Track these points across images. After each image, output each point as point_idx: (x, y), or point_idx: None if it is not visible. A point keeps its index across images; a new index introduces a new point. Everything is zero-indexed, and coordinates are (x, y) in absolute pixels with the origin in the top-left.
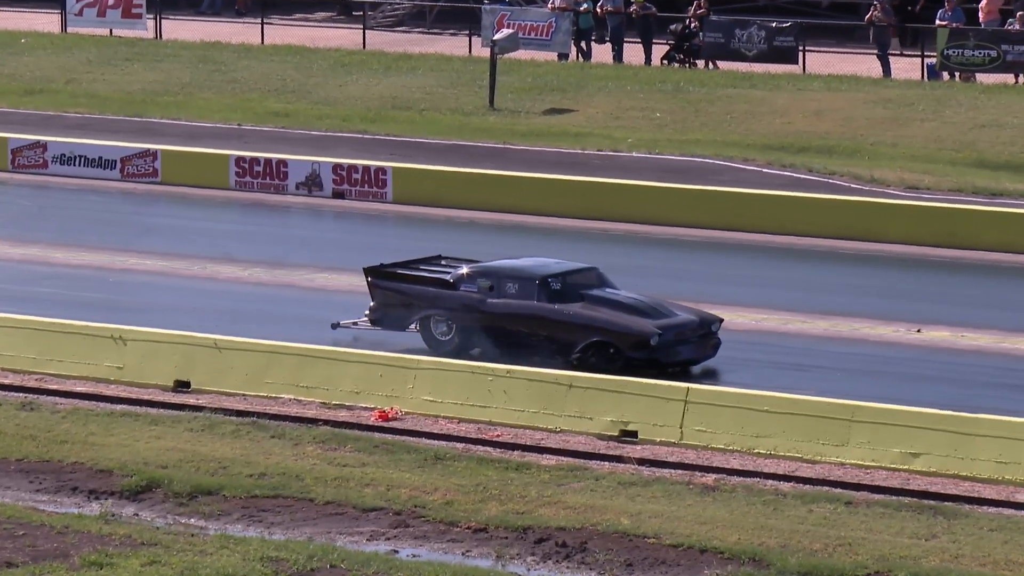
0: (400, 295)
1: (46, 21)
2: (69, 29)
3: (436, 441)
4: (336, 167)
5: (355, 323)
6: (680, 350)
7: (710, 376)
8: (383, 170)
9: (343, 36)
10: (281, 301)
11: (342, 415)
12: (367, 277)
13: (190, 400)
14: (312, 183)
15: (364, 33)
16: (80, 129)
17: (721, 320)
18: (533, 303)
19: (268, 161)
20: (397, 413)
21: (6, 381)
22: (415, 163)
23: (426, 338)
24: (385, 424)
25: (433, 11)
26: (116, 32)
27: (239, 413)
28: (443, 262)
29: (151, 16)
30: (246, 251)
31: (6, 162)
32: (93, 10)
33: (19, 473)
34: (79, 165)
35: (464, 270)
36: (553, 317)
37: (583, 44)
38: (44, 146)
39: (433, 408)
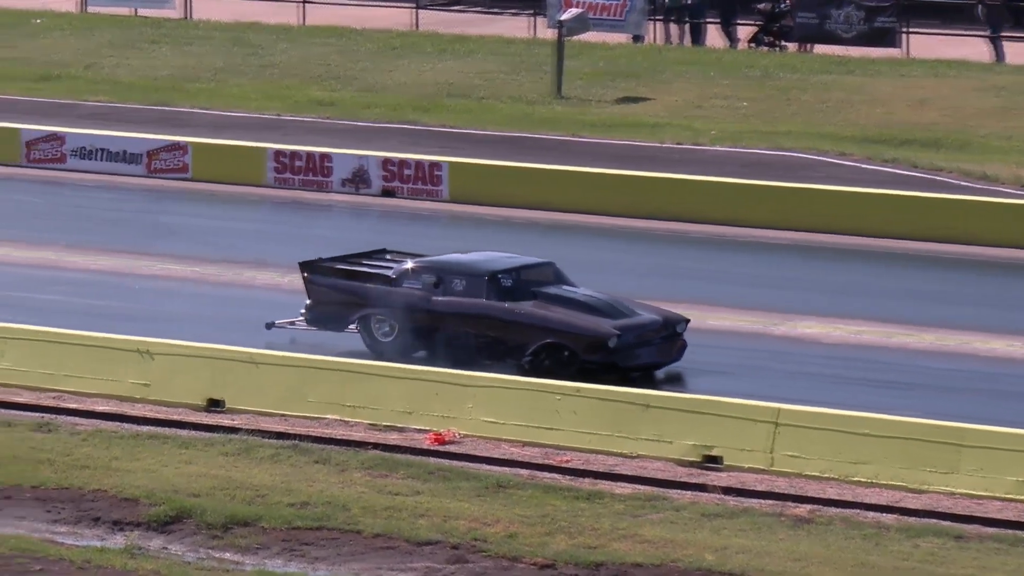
0: (338, 292)
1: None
2: (88, 8)
3: (497, 467)
4: (385, 162)
5: (292, 323)
6: (640, 353)
7: (803, 396)
8: (438, 165)
9: (392, 16)
10: None
11: (392, 438)
12: (302, 273)
13: (224, 421)
14: (359, 179)
15: (416, 12)
16: (100, 119)
17: (687, 320)
18: (481, 301)
19: (310, 155)
20: (454, 436)
21: (19, 399)
22: (473, 157)
23: (366, 339)
24: (440, 448)
25: None
26: (140, 12)
27: (278, 435)
28: (388, 256)
29: None
30: (284, 255)
31: (19, 156)
32: None
33: (35, 502)
34: (100, 159)
35: (408, 265)
36: (502, 317)
37: (674, 24)
38: (61, 138)
39: (494, 430)
